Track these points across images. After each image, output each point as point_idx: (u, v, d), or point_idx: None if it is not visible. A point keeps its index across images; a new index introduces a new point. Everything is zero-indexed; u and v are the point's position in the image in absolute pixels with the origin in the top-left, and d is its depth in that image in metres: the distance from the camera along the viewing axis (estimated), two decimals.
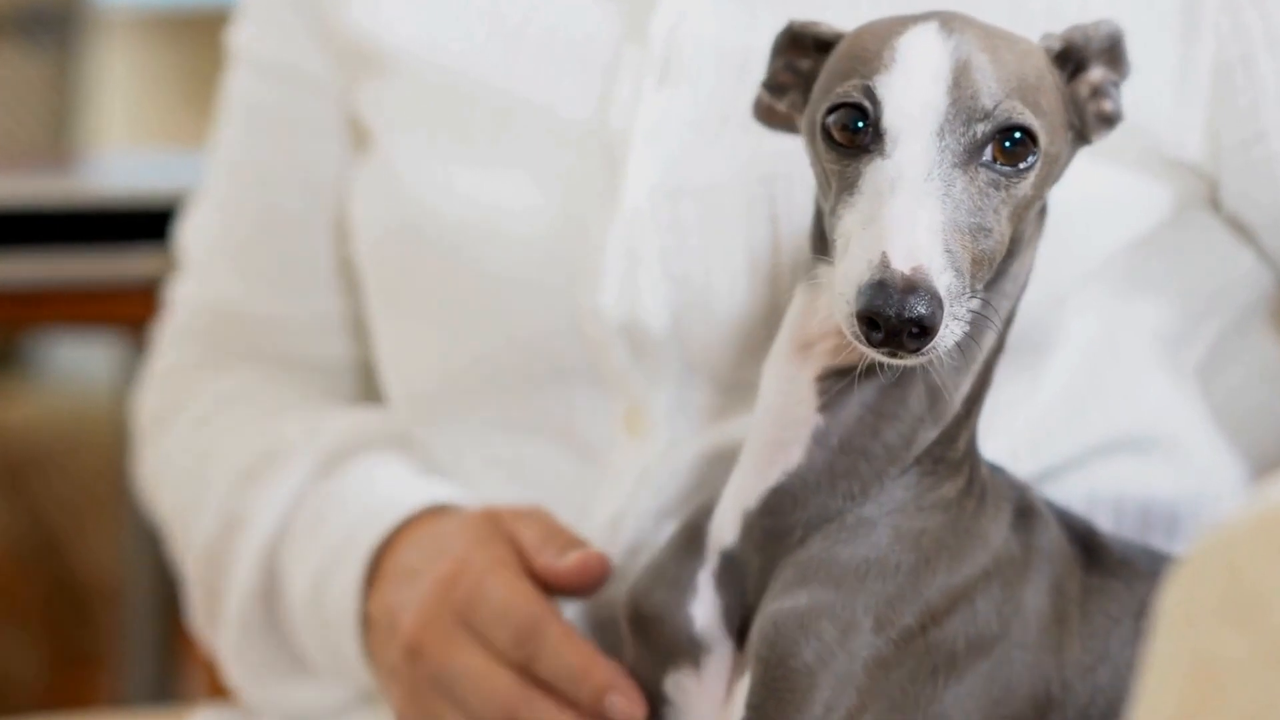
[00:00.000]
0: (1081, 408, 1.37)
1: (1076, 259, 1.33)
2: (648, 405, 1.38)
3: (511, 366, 1.42)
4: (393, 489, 1.45)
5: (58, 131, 3.69)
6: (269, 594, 1.49)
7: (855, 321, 1.06)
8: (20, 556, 3.07)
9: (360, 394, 1.62)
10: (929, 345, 1.06)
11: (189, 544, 1.55)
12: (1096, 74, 1.17)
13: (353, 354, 1.60)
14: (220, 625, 1.52)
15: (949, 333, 1.07)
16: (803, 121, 1.18)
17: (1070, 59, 1.17)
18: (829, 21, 1.18)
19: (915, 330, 1.05)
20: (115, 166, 3.57)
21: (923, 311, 1.05)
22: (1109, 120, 1.18)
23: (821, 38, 1.18)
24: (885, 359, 1.08)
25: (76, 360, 3.64)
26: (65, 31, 3.71)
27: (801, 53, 1.19)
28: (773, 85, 1.22)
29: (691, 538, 1.23)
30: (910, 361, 1.09)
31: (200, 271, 1.63)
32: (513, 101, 1.42)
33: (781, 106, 1.22)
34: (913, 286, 1.05)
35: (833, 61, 1.15)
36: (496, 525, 1.36)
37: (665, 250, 1.36)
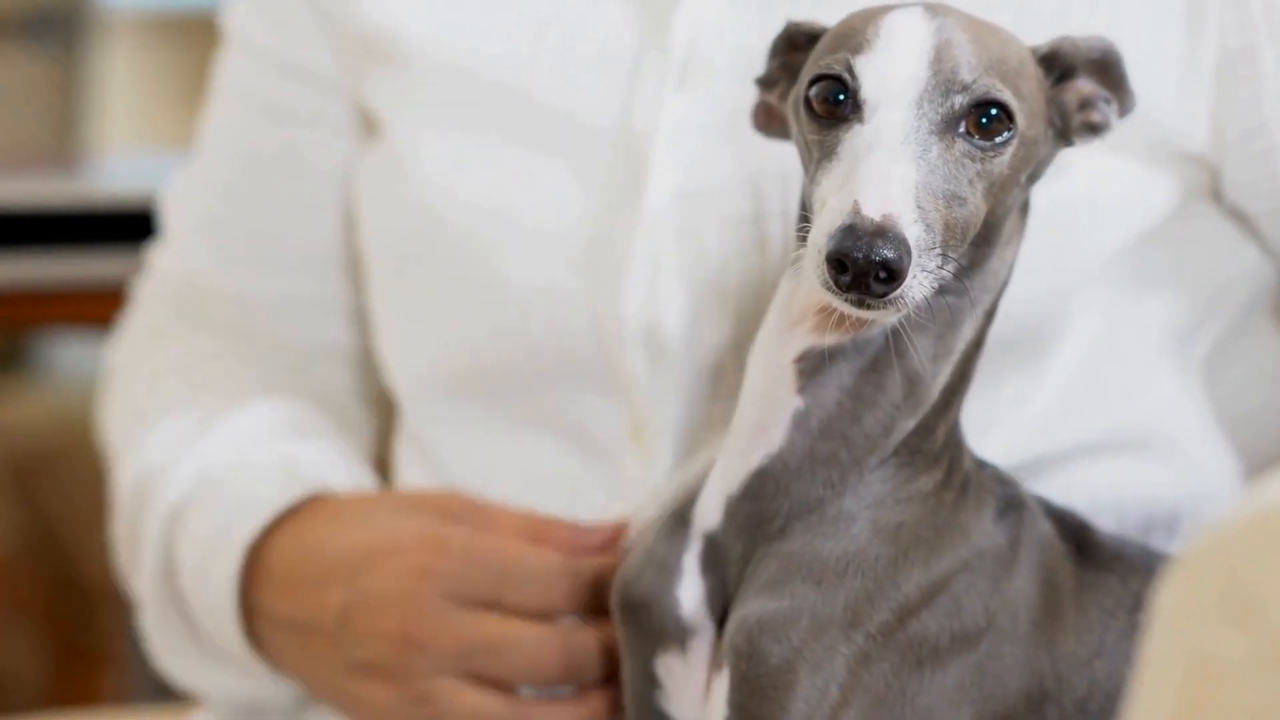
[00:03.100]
0: (1083, 405, 1.38)
1: (1083, 252, 1.34)
2: (652, 419, 1.39)
3: (522, 362, 1.43)
4: (265, 482, 1.46)
5: (62, 133, 3.69)
6: (169, 572, 1.50)
7: (825, 266, 1.08)
8: (23, 555, 3.07)
9: (336, 380, 1.63)
10: (896, 292, 1.08)
11: (119, 515, 1.57)
12: (1085, 86, 1.19)
13: (330, 339, 1.62)
14: (140, 595, 1.54)
15: (916, 283, 1.09)
16: (788, 102, 1.20)
17: (1056, 64, 1.19)
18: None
19: (882, 274, 1.07)
20: (119, 168, 3.57)
21: (889, 255, 1.07)
22: (1095, 130, 1.20)
23: (815, 33, 1.20)
24: (854, 309, 1.10)
25: (80, 360, 3.64)
26: (70, 33, 3.71)
27: (797, 51, 1.22)
28: (764, 80, 1.24)
29: (678, 521, 1.24)
30: (878, 313, 1.10)
31: (179, 243, 1.65)
32: (532, 103, 1.43)
33: (772, 99, 1.24)
34: (881, 230, 1.07)
35: (820, 43, 1.18)
36: (445, 509, 1.38)
37: (684, 254, 1.37)
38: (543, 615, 1.33)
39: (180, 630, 1.52)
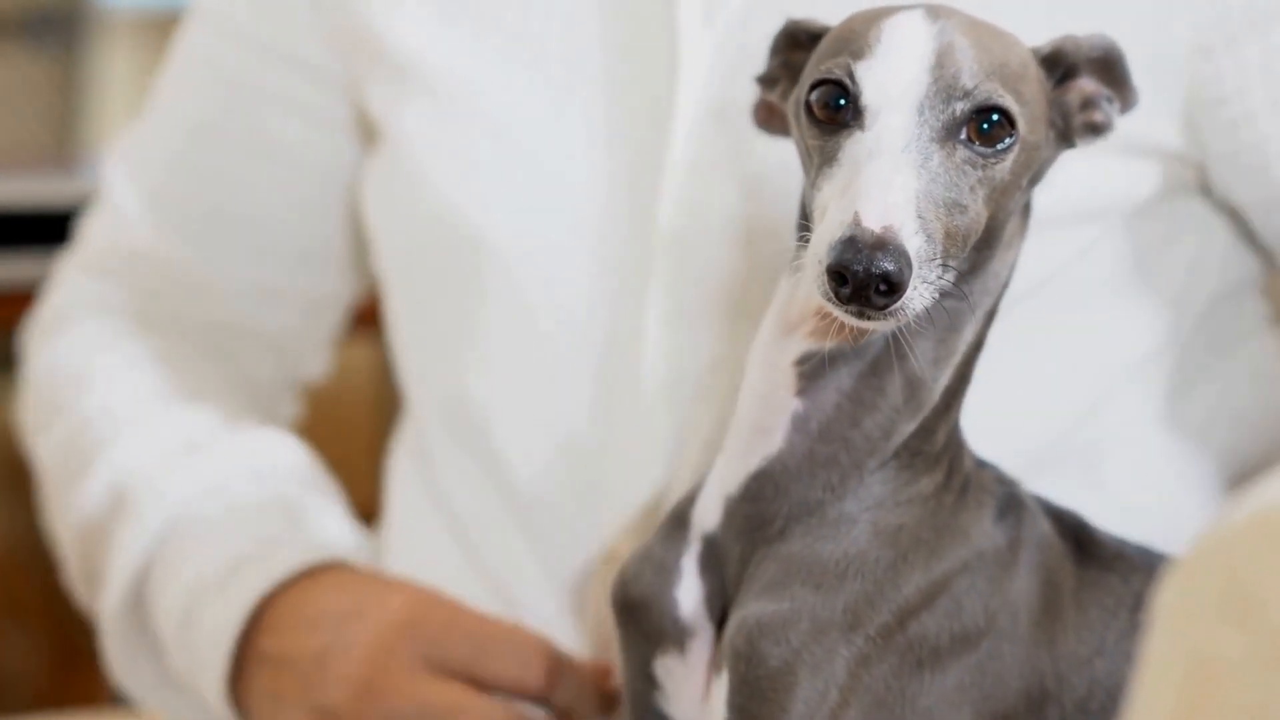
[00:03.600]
0: (1046, 411, 1.38)
1: (1057, 243, 1.34)
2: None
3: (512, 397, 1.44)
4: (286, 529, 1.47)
5: (61, 133, 3.70)
6: (140, 590, 1.50)
7: (825, 278, 1.08)
8: (22, 555, 3.07)
9: (264, 367, 1.64)
10: (896, 304, 1.08)
11: (66, 521, 1.57)
12: (1088, 85, 1.19)
13: (267, 326, 1.62)
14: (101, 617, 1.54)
15: (917, 295, 1.09)
16: (789, 104, 1.20)
17: (1059, 64, 1.18)
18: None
19: (883, 287, 1.07)
20: None
21: (889, 267, 1.07)
22: (1097, 130, 1.20)
23: (815, 32, 1.20)
24: (854, 320, 1.10)
25: None
26: (69, 33, 3.71)
27: (798, 50, 1.21)
28: (765, 79, 1.24)
29: (677, 523, 1.24)
30: (878, 324, 1.10)
31: (124, 211, 1.63)
32: (528, 132, 1.43)
33: (773, 97, 1.24)
34: (882, 243, 1.07)
35: (821, 45, 1.18)
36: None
37: (690, 263, 1.37)
38: (512, 691, 1.35)
39: (139, 649, 1.53)
